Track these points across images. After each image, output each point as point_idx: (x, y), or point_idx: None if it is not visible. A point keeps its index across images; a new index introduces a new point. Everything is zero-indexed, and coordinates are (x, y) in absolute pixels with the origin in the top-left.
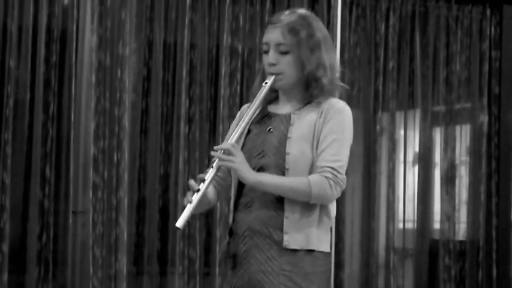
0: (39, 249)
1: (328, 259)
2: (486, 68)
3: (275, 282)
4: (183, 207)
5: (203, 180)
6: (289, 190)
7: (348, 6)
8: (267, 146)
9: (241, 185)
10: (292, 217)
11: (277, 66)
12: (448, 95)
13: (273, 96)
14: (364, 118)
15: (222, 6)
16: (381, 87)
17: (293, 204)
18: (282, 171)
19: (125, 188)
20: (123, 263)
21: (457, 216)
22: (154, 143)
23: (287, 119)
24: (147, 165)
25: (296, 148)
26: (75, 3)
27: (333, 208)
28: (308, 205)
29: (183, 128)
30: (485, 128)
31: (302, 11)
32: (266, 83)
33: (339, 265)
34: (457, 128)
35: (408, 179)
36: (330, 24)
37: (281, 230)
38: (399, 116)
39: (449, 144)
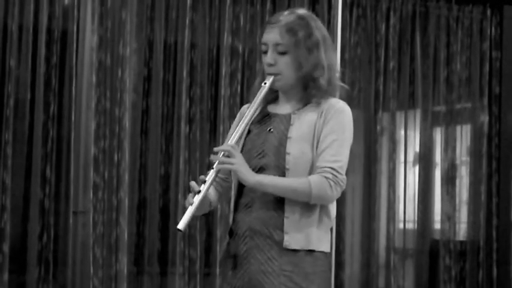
0: (39, 249)
1: (328, 259)
2: (487, 68)
3: (275, 282)
4: (184, 208)
5: (204, 182)
6: (289, 191)
7: (348, 6)
8: (267, 146)
9: (241, 185)
10: (293, 217)
11: (276, 66)
12: (448, 95)
13: (272, 96)
14: (364, 118)
15: (222, 6)
16: (381, 87)
17: (293, 204)
18: (282, 171)
19: (126, 188)
20: (123, 263)
21: (457, 217)
22: (155, 143)
23: (287, 119)
24: (147, 166)
25: (296, 148)
26: (75, 3)
27: (333, 208)
28: (308, 205)
29: (184, 128)
30: (485, 128)
31: (301, 11)
32: (265, 83)
33: (339, 265)
34: (458, 128)
35: (409, 179)
36: (330, 24)
37: (281, 230)
38: (400, 116)
39: (449, 144)
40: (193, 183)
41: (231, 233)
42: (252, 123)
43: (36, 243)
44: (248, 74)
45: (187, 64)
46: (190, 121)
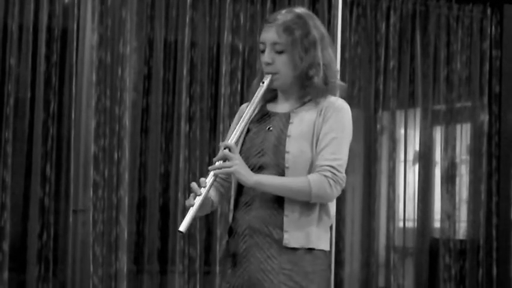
0: (39, 247)
1: (328, 258)
2: (487, 67)
3: (275, 281)
4: (184, 207)
5: (205, 186)
6: (289, 190)
7: (348, 5)
8: (266, 144)
9: (241, 184)
10: (292, 216)
11: (273, 65)
12: (448, 94)
13: (271, 95)
14: (364, 117)
15: (222, 5)
16: (381, 86)
17: (293, 202)
18: (281, 169)
19: (126, 187)
20: (123, 261)
21: (457, 215)
22: (155, 142)
23: (286, 118)
24: (147, 164)
25: (295, 147)
26: (75, 1)
27: (332, 207)
28: (308, 204)
29: (184, 126)
30: (485, 127)
31: (299, 9)
32: (263, 82)
33: (339, 264)
34: (458, 127)
35: (408, 178)
36: (330, 24)
37: (281, 228)
38: (400, 115)
39: (449, 143)
40: (194, 185)
41: (231, 231)
42: (251, 122)
43: (36, 241)
44: (248, 72)
45: (188, 62)
46: (190, 119)
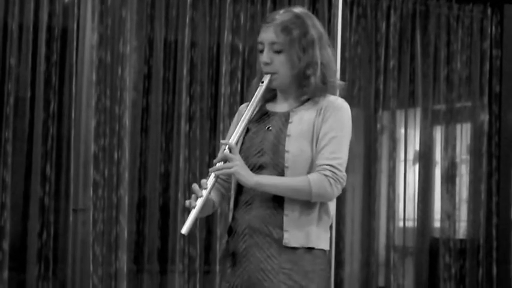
0: (39, 247)
1: (328, 257)
2: (487, 66)
3: (275, 280)
4: (184, 207)
5: (205, 188)
6: (289, 190)
7: (348, 5)
8: (265, 144)
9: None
10: (292, 215)
11: (272, 65)
12: (448, 94)
13: (271, 95)
14: (364, 116)
15: (222, 5)
16: (381, 86)
17: (293, 202)
18: (281, 169)
19: (126, 186)
20: (123, 261)
21: (457, 215)
22: (155, 141)
23: (285, 117)
24: (147, 164)
25: (295, 146)
26: (75, 1)
27: (332, 206)
28: (308, 203)
29: (184, 126)
30: (485, 126)
31: (297, 9)
32: (263, 82)
33: (339, 264)
34: (458, 126)
35: (409, 178)
36: (330, 23)
37: (281, 228)
38: (400, 115)
39: (449, 143)
40: (195, 186)
41: (230, 231)
42: (250, 121)
43: (36, 241)
44: (248, 72)
45: (188, 62)
46: (190, 119)
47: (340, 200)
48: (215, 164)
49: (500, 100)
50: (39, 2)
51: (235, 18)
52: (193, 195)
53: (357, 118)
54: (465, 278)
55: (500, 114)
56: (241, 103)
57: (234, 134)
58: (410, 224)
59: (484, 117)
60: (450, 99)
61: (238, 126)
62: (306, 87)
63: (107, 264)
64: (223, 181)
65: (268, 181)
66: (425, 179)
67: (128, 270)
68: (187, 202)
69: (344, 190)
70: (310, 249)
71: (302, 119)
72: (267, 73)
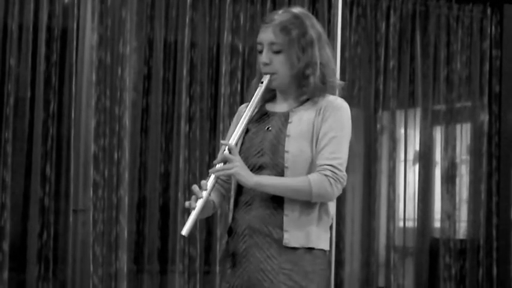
0: (39, 247)
1: (327, 257)
2: (487, 67)
3: (275, 281)
4: (184, 207)
5: (205, 189)
6: (289, 190)
7: (348, 5)
8: (265, 144)
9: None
10: (292, 215)
11: (271, 65)
12: (448, 94)
13: (270, 95)
14: (364, 117)
15: (222, 5)
16: (381, 86)
17: (293, 202)
18: (281, 169)
19: (126, 187)
20: (123, 261)
21: (457, 215)
22: (155, 142)
23: (285, 117)
24: (147, 164)
25: (295, 146)
26: (75, 1)
27: (331, 206)
28: (308, 203)
29: (184, 126)
30: (485, 126)
31: (296, 9)
32: (262, 82)
33: (339, 264)
34: (458, 126)
35: (409, 178)
36: (330, 24)
37: (281, 228)
38: (400, 115)
39: (449, 143)
40: (195, 188)
41: (230, 231)
42: (250, 122)
43: (36, 241)
44: (248, 72)
45: (187, 62)
46: (190, 119)
47: (340, 200)
48: (215, 165)
49: (500, 100)
50: (39, 3)
51: (235, 18)
52: (193, 197)
53: (357, 118)
54: (465, 278)
55: (500, 114)
56: (241, 103)
57: (234, 134)
58: (410, 224)
59: (484, 117)
60: (450, 99)
61: (238, 127)
62: (305, 87)
63: (107, 264)
64: (224, 182)
65: (268, 181)
66: (425, 179)
67: (128, 270)
68: (187, 203)
69: (344, 190)
70: (310, 249)
71: (301, 119)
72: (266, 73)
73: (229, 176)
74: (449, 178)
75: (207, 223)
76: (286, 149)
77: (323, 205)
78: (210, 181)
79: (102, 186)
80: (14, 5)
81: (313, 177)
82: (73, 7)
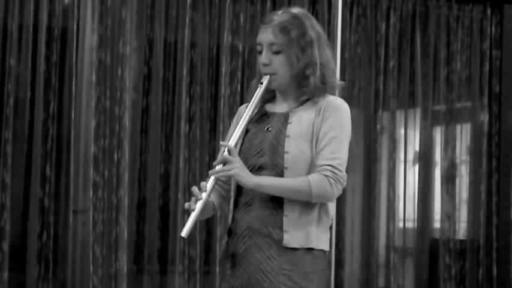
0: (39, 247)
1: (327, 258)
2: (487, 67)
3: (274, 281)
4: (183, 208)
5: (205, 191)
6: (289, 191)
7: (348, 5)
8: (265, 145)
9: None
10: (292, 216)
11: (271, 66)
12: (448, 94)
13: (270, 96)
14: (364, 117)
15: (222, 5)
16: (381, 86)
17: (293, 203)
18: (280, 170)
19: (125, 187)
20: (123, 261)
21: (457, 215)
22: (155, 142)
23: (285, 118)
24: (147, 164)
25: (295, 147)
26: (75, 2)
27: (331, 207)
28: (308, 204)
29: (184, 126)
30: (485, 127)
31: (295, 10)
32: (262, 83)
33: (339, 264)
34: (458, 127)
35: (408, 178)
36: (330, 24)
37: (280, 228)
38: (400, 115)
39: (449, 143)
40: (195, 189)
41: (230, 232)
42: (249, 122)
43: (36, 241)
44: (248, 72)
45: (187, 63)
46: (190, 120)
47: (340, 201)
48: (215, 167)
49: (500, 100)
50: (39, 3)
51: (235, 18)
52: (193, 198)
53: (356, 118)
54: (465, 279)
55: (500, 115)
56: (241, 104)
57: (234, 135)
58: (410, 224)
59: (484, 117)
60: (450, 99)
61: (237, 127)
62: (305, 87)
63: (107, 265)
64: (223, 183)
65: (267, 182)
66: (425, 179)
67: (128, 271)
68: (186, 204)
69: (344, 190)
70: (310, 249)
71: (301, 120)
72: (266, 74)
73: (229, 177)
74: (449, 178)
75: (207, 224)
76: (285, 149)
77: (323, 205)
78: (210, 182)
79: (102, 186)
80: (14, 5)
81: (313, 177)
82: (73, 7)
